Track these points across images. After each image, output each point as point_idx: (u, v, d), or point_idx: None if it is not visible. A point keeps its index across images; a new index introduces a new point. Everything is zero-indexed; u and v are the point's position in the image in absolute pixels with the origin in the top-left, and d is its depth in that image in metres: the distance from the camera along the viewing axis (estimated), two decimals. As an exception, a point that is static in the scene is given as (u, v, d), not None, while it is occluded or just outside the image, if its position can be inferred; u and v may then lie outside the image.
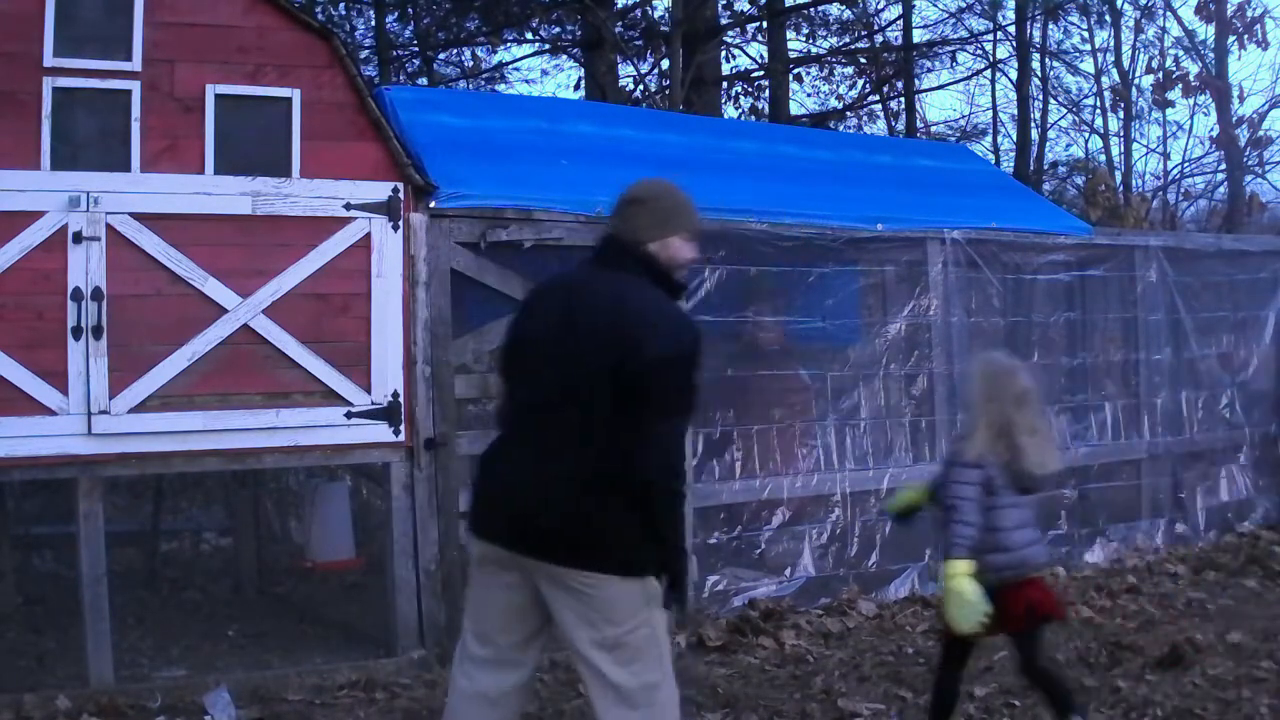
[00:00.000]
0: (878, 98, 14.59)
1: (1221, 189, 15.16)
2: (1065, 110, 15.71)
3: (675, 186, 3.38)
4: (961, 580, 3.60)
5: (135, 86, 4.85)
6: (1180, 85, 13.61)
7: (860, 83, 14.71)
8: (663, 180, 3.42)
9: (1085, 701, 4.31)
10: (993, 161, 14.11)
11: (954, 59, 14.69)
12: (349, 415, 5.18)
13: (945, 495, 3.81)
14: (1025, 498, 3.87)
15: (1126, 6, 14.50)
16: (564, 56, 14.18)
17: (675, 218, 3.30)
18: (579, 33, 12.62)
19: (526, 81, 14.78)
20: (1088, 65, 15.21)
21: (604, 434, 3.02)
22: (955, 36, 14.54)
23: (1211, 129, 14.60)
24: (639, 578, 3.07)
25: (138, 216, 4.84)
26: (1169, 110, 14.32)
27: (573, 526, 3.03)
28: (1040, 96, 14.78)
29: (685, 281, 3.47)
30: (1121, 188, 14.13)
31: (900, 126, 14.07)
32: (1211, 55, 14.36)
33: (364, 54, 12.47)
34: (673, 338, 3.07)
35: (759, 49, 13.99)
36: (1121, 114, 15.02)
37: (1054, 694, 3.89)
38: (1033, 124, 14.31)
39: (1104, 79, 14.98)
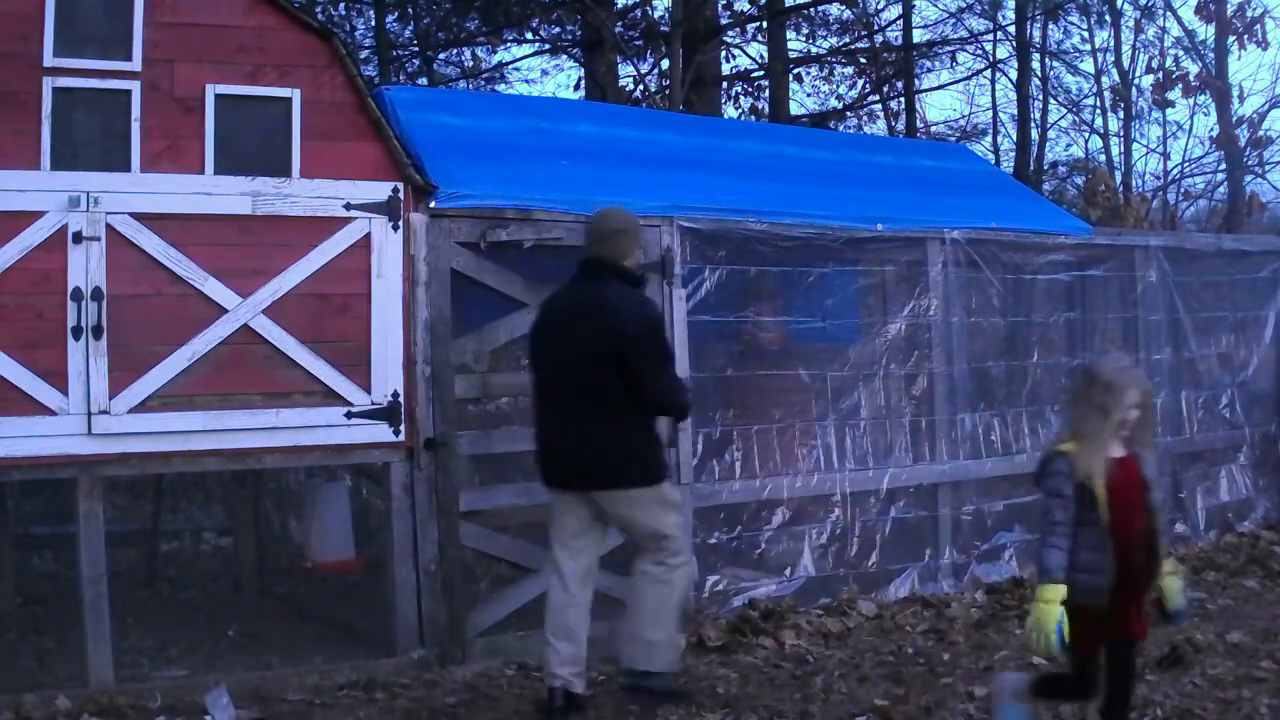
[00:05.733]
0: (878, 98, 14.59)
1: (1221, 189, 15.18)
2: (1065, 110, 15.73)
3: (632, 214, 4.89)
4: None
5: (135, 86, 4.85)
6: (1180, 85, 13.62)
7: (860, 83, 14.71)
8: (627, 211, 4.88)
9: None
10: (993, 161, 14.10)
11: (954, 59, 14.72)
12: (349, 415, 5.18)
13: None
14: None
15: (1126, 6, 14.52)
16: (564, 56, 14.18)
17: (639, 238, 4.89)
18: (579, 33, 12.62)
19: (526, 81, 14.79)
20: (1088, 65, 15.23)
21: (613, 392, 4.48)
22: (955, 36, 14.56)
23: (1211, 129, 14.62)
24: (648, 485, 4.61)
25: (138, 216, 4.84)
26: (1169, 110, 14.34)
27: (602, 461, 4.55)
28: (1040, 96, 14.80)
29: (643, 276, 4.95)
30: (1121, 188, 14.13)
31: (900, 126, 14.06)
32: (1211, 55, 14.37)
33: (364, 54, 12.47)
34: (639, 318, 4.58)
35: (759, 49, 13.99)
36: (1121, 114, 15.03)
37: None
38: (1033, 124, 14.32)
39: (1104, 79, 14.99)
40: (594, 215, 4.85)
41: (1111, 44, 14.67)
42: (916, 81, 14.33)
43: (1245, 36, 13.36)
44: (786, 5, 13.04)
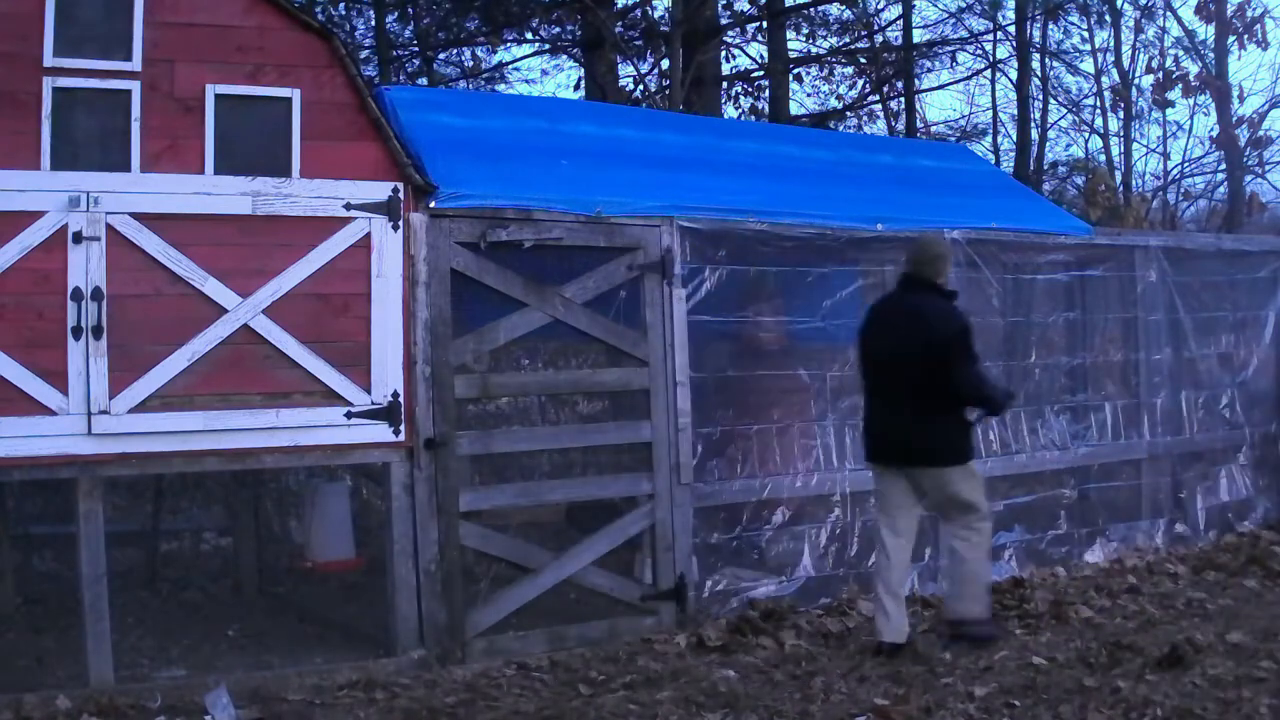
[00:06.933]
0: (878, 98, 14.60)
1: (1221, 189, 15.20)
2: (1065, 110, 15.74)
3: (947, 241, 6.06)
4: None
5: (135, 86, 4.86)
6: (1180, 85, 13.64)
7: (860, 83, 14.72)
8: (944, 239, 6.12)
9: None
10: (993, 161, 14.11)
11: (954, 59, 14.72)
12: (349, 415, 5.18)
13: None
14: None
15: (1126, 6, 14.53)
16: (564, 56, 14.19)
17: (951, 261, 5.72)
18: (579, 33, 12.63)
19: (526, 81, 14.80)
20: (1088, 65, 15.24)
21: (930, 385, 5.24)
22: (955, 36, 14.56)
23: (1211, 129, 14.65)
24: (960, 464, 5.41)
25: (138, 216, 4.84)
26: (1169, 110, 14.36)
27: (921, 442, 5.35)
28: (1040, 96, 14.80)
29: (955, 291, 5.65)
30: (1121, 188, 14.16)
31: (900, 126, 14.07)
32: (1211, 55, 14.39)
33: (364, 54, 12.47)
34: (953, 324, 5.33)
35: (759, 49, 14.00)
36: (1121, 114, 15.04)
37: None
38: (1033, 124, 14.33)
39: (1104, 79, 15.01)
40: (917, 240, 5.73)
41: (1111, 44, 14.71)
42: (916, 81, 14.35)
43: (1245, 36, 13.40)
44: (786, 5, 13.04)
